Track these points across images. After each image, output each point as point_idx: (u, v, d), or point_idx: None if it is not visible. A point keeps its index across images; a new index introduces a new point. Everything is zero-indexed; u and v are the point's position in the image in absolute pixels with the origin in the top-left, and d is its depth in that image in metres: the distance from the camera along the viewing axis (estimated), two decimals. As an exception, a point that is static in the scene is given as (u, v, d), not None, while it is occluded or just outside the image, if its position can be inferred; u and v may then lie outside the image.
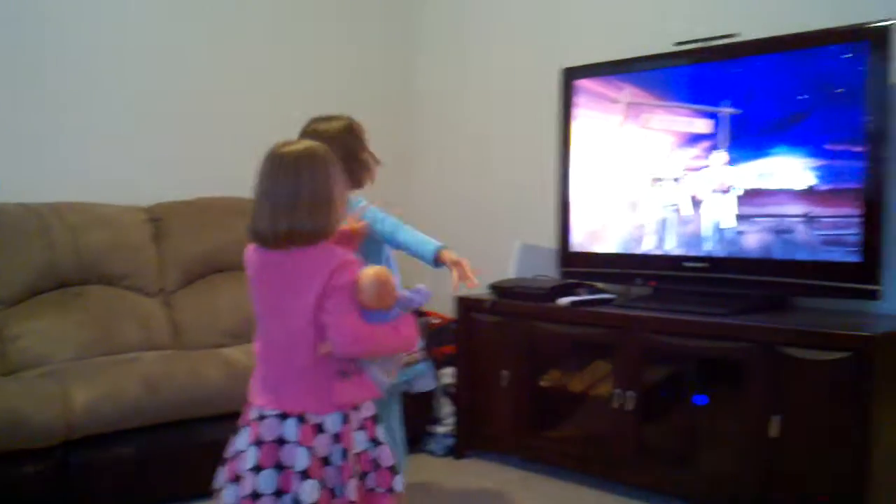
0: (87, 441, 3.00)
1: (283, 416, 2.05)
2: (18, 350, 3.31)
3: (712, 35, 3.39)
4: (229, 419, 3.12)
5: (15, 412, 2.85)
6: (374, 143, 3.10)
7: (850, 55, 2.95)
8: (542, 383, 3.64)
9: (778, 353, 2.85)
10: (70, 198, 3.72)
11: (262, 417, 2.07)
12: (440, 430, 3.94)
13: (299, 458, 2.01)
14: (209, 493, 2.19)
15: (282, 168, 2.08)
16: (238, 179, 4.13)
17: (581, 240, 3.79)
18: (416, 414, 3.91)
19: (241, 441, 2.11)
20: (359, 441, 2.10)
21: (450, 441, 3.88)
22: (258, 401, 2.11)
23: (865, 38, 2.91)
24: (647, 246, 3.57)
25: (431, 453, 3.89)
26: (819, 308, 3.22)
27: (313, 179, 2.07)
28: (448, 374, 3.96)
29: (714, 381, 3.19)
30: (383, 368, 2.16)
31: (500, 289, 3.78)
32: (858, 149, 2.94)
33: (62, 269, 3.54)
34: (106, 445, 3.04)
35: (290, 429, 2.04)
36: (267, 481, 2.02)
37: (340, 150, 2.75)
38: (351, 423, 2.08)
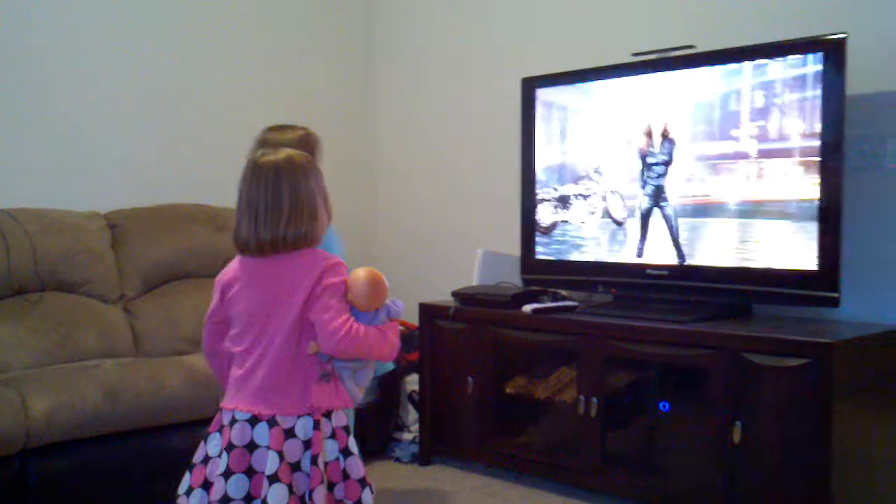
0: (46, 449, 2.94)
1: (254, 420, 2.05)
2: (-25, 357, 3.24)
3: (669, 46, 3.43)
4: (191, 427, 3.12)
5: (-28, 421, 2.80)
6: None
7: (806, 67, 3.00)
8: (508, 390, 3.65)
9: (740, 359, 2.88)
10: (27, 203, 3.66)
11: (233, 421, 2.06)
12: (406, 436, 3.93)
13: (269, 463, 2.00)
14: (171, 501, 2.16)
15: (262, 177, 2.09)
16: (199, 186, 4.14)
17: (544, 247, 3.80)
18: (383, 421, 3.91)
19: (213, 446, 2.09)
20: (329, 450, 2.09)
21: (415, 448, 3.88)
22: (230, 404, 2.10)
23: (821, 50, 2.96)
24: (610, 254, 3.59)
25: (398, 460, 3.88)
26: (780, 315, 3.26)
27: (293, 187, 2.08)
28: (413, 381, 3.96)
29: (677, 388, 3.22)
30: (356, 380, 2.16)
31: (462, 296, 3.79)
32: (815, 158, 2.99)
33: (20, 276, 3.48)
34: (65, 454, 2.99)
35: (261, 433, 2.04)
36: (237, 486, 2.00)
37: None
38: (322, 429, 2.07)
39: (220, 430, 2.09)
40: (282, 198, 2.07)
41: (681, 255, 3.34)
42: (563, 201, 3.73)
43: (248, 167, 2.13)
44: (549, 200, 3.78)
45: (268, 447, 2.01)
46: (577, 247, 3.69)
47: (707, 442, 2.98)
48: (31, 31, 3.82)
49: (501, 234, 4.15)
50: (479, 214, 4.42)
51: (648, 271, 3.44)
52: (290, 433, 2.03)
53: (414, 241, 4.78)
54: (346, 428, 2.13)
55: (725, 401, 2.91)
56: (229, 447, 2.03)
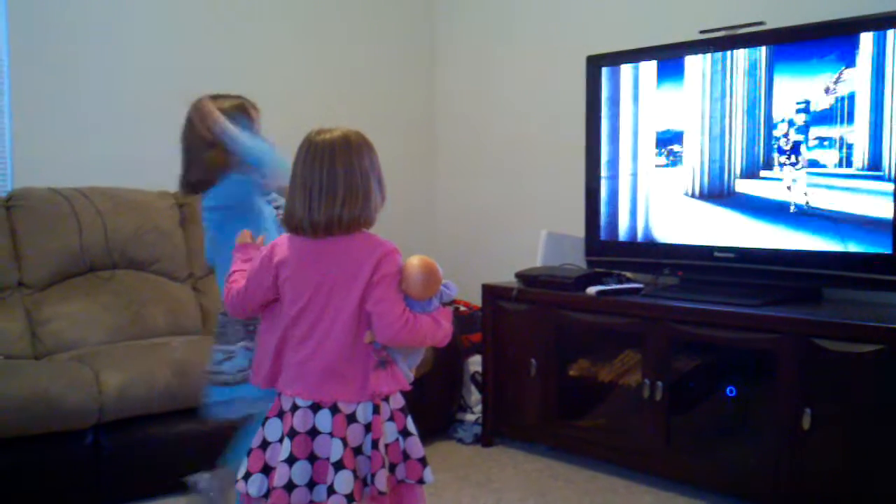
0: (118, 424, 3.03)
1: (316, 407, 2.05)
2: (50, 333, 3.34)
3: (737, 23, 3.35)
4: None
5: (48, 395, 2.88)
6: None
7: (881, 43, 2.91)
8: (571, 372, 3.63)
9: (810, 344, 2.82)
10: (99, 183, 3.74)
11: (295, 408, 2.06)
12: (469, 417, 3.94)
13: (334, 449, 2.01)
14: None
15: (317, 156, 2.06)
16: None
17: (609, 229, 3.77)
18: (445, 402, 3.92)
19: (272, 431, 2.09)
20: (388, 432, 2.10)
21: (478, 429, 3.89)
22: (290, 391, 2.09)
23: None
24: (676, 235, 3.54)
25: (460, 441, 3.90)
26: (851, 300, 3.18)
27: (348, 168, 2.05)
28: (475, 362, 3.96)
29: (744, 373, 3.17)
30: (409, 362, 2.16)
31: (526, 277, 3.77)
32: (888, 138, 2.90)
33: (91, 254, 3.57)
34: (136, 429, 3.07)
35: (323, 419, 2.04)
36: (301, 472, 2.01)
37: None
38: (381, 413, 2.08)
39: (280, 415, 2.08)
40: (336, 179, 2.03)
41: (749, 237, 3.27)
42: (631, 184, 3.69)
43: (303, 146, 2.10)
44: (616, 182, 3.73)
45: (331, 434, 2.02)
46: (644, 228, 3.65)
47: (775, 428, 2.92)
48: (103, 10, 3.88)
49: (566, 214, 4.11)
50: (543, 195, 4.39)
51: (716, 254, 3.38)
52: (351, 418, 2.04)
53: (477, 221, 4.77)
54: (403, 409, 2.14)
55: (794, 387, 2.86)
56: (291, 433, 2.03)
